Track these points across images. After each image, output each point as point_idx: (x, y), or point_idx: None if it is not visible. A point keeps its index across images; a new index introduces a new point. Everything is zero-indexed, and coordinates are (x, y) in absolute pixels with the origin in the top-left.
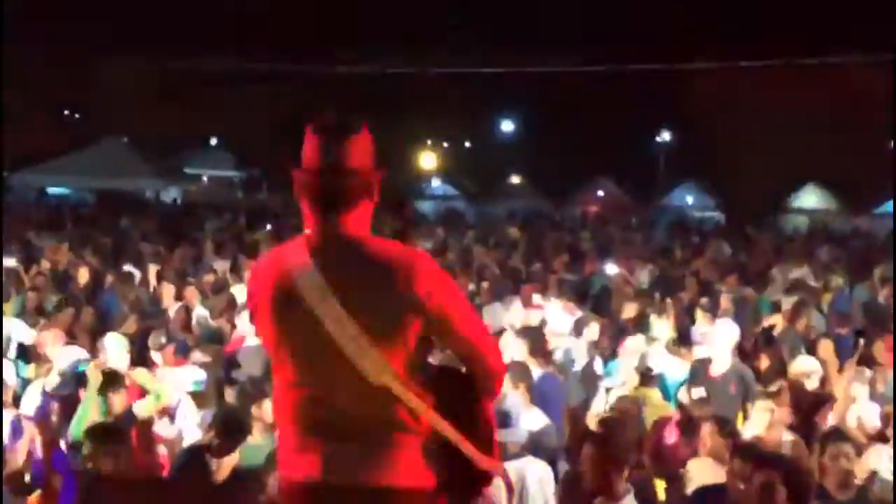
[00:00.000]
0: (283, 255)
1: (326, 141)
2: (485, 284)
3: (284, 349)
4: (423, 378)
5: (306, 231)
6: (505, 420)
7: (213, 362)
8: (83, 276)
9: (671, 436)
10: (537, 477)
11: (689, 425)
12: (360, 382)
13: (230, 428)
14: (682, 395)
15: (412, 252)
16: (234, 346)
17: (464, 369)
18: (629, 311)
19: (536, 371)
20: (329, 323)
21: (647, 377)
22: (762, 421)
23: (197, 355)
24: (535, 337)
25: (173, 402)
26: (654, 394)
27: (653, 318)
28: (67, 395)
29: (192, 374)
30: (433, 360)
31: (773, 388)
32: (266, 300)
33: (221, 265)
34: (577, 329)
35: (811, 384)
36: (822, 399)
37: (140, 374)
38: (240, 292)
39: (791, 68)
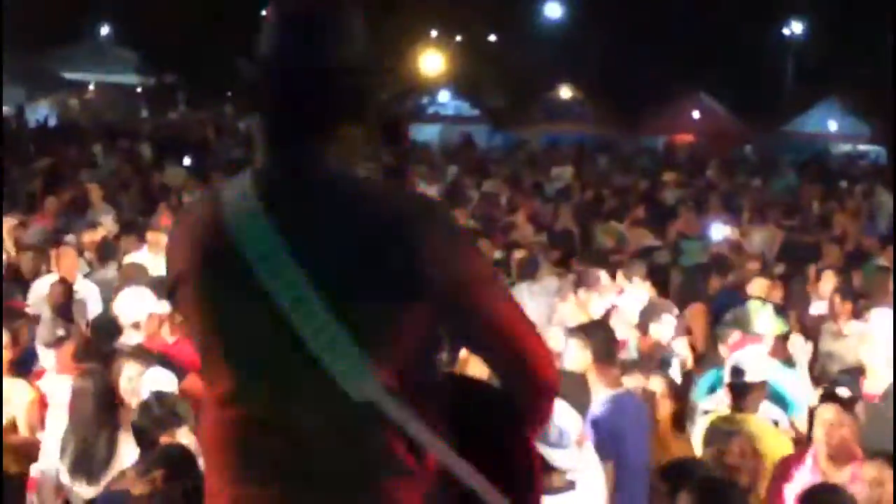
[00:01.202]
0: (220, 204)
1: (296, 27)
2: (517, 253)
3: (220, 346)
4: (430, 394)
5: (256, 166)
6: (555, 438)
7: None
8: None
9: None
10: None
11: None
12: (333, 399)
13: (180, 469)
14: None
15: (421, 201)
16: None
17: (493, 382)
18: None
19: (604, 392)
20: (290, 308)
21: (740, 393)
22: None
23: None
24: (601, 338)
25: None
26: (754, 420)
27: (752, 306)
28: None
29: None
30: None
31: None
32: (193, 272)
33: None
34: (644, 320)
35: None
36: None
37: None
38: (144, 259)
39: None
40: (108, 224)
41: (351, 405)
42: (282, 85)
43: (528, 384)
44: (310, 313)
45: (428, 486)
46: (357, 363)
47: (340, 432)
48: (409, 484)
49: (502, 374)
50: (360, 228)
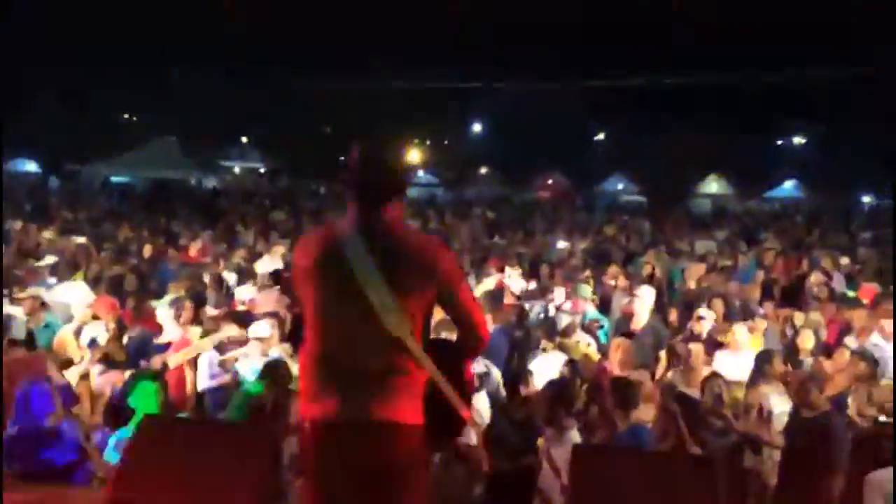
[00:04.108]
0: (335, 231)
1: (365, 159)
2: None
3: (323, 307)
4: (425, 338)
5: (351, 214)
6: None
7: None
8: (147, 251)
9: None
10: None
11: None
12: (380, 334)
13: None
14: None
15: (434, 239)
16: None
17: (454, 339)
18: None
19: (501, 322)
20: (367, 286)
21: (564, 329)
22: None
23: None
24: (497, 295)
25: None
26: (574, 344)
27: (580, 285)
28: None
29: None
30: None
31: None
32: (317, 265)
33: (250, 238)
34: (535, 294)
35: (703, 327)
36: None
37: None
38: (261, 264)
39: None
40: (248, 241)
41: (388, 339)
42: (359, 184)
43: (473, 333)
44: (376, 290)
45: (421, 387)
46: (398, 315)
47: (381, 354)
48: (412, 384)
49: (461, 327)
50: (403, 249)
